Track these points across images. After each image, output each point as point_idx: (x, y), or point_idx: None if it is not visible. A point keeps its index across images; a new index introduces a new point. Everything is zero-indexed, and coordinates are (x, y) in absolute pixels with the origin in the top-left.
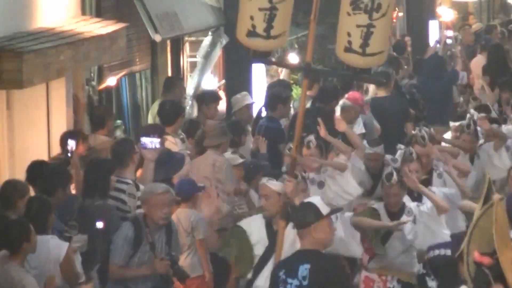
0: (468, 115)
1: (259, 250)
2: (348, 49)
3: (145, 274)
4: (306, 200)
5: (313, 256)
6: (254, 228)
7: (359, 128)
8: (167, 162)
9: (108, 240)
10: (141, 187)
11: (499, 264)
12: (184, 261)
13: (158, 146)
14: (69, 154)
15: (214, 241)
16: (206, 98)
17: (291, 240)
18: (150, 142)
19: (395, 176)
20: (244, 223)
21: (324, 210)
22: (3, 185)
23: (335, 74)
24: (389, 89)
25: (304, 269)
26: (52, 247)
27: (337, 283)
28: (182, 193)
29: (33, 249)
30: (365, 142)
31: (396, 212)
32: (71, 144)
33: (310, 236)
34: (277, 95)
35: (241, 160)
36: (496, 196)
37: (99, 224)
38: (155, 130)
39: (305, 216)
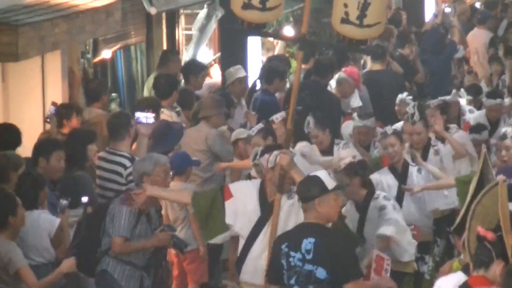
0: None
1: (247, 220)
2: (345, 20)
3: (147, 247)
4: (313, 173)
5: (317, 230)
6: (246, 194)
7: (355, 101)
8: (166, 135)
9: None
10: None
11: (503, 241)
12: (178, 234)
13: (152, 121)
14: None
15: None
16: (193, 68)
17: (285, 212)
18: (145, 117)
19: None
20: (235, 188)
21: (330, 184)
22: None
23: (331, 45)
24: (384, 62)
25: (308, 243)
26: (43, 222)
27: (341, 258)
28: (176, 167)
29: (21, 223)
30: (355, 114)
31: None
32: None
33: (314, 210)
34: (275, 69)
35: (246, 134)
36: (500, 177)
37: (84, 199)
38: (151, 104)
39: (310, 190)
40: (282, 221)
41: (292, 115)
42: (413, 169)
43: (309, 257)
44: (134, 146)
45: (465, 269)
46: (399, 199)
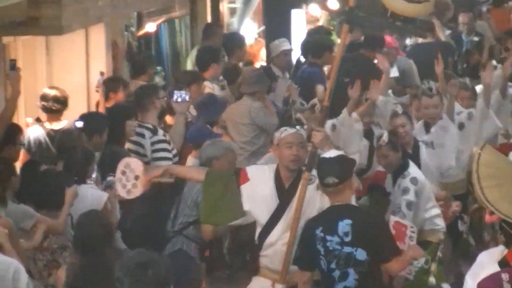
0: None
1: (264, 207)
2: None
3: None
4: (336, 153)
5: (352, 211)
6: (262, 180)
7: (392, 70)
8: (209, 105)
9: None
10: (160, 131)
11: None
12: None
13: (187, 98)
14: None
15: None
16: (237, 41)
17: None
18: (179, 94)
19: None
20: (252, 172)
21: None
22: (61, 134)
23: (378, 23)
24: (433, 35)
25: (345, 225)
26: (91, 196)
27: (380, 237)
28: (191, 139)
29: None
30: (390, 91)
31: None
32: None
33: (348, 191)
34: (323, 42)
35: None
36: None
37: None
38: (191, 76)
39: (346, 168)
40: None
41: (330, 91)
42: (422, 146)
43: (347, 239)
44: (170, 120)
45: (508, 242)
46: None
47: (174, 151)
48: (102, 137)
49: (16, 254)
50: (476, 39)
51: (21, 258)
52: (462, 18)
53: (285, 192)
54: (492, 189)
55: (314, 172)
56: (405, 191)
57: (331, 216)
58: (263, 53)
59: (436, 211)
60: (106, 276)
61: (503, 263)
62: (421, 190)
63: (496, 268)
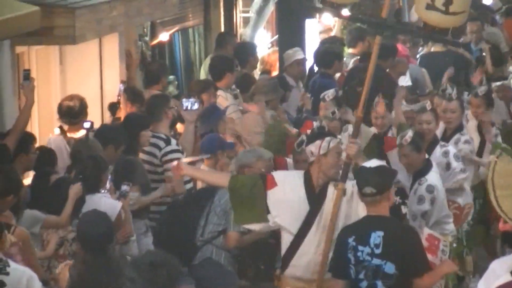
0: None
1: (294, 212)
2: (431, 7)
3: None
4: (376, 163)
5: (386, 223)
6: (291, 185)
7: (404, 80)
8: (210, 115)
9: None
10: (173, 141)
11: None
12: None
13: (196, 107)
14: None
15: None
16: (250, 49)
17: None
18: (189, 103)
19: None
20: (280, 177)
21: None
22: (75, 143)
23: (412, 32)
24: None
25: (376, 237)
26: (104, 205)
27: (410, 252)
28: (204, 149)
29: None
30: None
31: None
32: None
33: (385, 202)
34: (331, 51)
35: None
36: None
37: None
38: (204, 85)
39: (385, 180)
40: (330, 213)
41: (364, 102)
42: (438, 147)
43: (377, 251)
44: (181, 128)
45: None
46: None
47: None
48: (118, 150)
49: (31, 263)
50: (483, 46)
51: (36, 267)
52: (470, 27)
53: (315, 197)
54: (507, 198)
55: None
56: (421, 200)
57: (365, 226)
58: None
59: (447, 215)
60: (108, 274)
61: None
62: (436, 197)
63: (508, 278)
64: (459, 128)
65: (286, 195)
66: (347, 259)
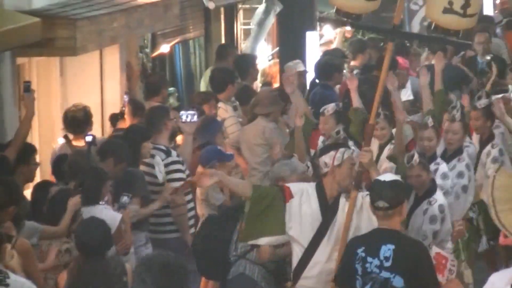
0: None
1: (308, 224)
2: (449, 10)
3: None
4: (391, 177)
5: (397, 236)
6: (305, 197)
7: (406, 94)
8: (206, 127)
9: None
10: (173, 152)
11: None
12: None
13: (195, 119)
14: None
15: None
16: (250, 60)
17: (345, 215)
18: (187, 115)
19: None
20: (295, 189)
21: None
22: (73, 153)
23: (423, 37)
24: (445, 56)
25: (387, 249)
26: (105, 217)
27: (420, 267)
28: (202, 160)
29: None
30: None
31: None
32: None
33: (397, 217)
34: (331, 63)
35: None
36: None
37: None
38: (205, 97)
39: (398, 194)
40: (342, 224)
41: (376, 111)
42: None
43: (387, 264)
44: (180, 140)
45: None
46: None
47: (187, 172)
48: (118, 165)
49: (33, 275)
50: (488, 58)
51: (37, 279)
52: (478, 38)
53: (328, 209)
54: (507, 212)
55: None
56: (433, 220)
57: (376, 239)
58: None
59: (449, 233)
60: (106, 279)
61: None
62: (446, 216)
63: None
64: (459, 151)
65: (301, 207)
66: (354, 269)
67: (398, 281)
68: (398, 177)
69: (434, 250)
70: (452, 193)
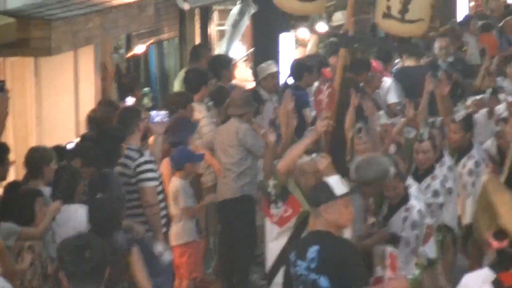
0: None
1: None
2: (387, 15)
3: None
4: (324, 179)
5: (322, 237)
6: None
7: (393, 97)
8: (180, 127)
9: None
10: (145, 152)
11: None
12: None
13: (165, 119)
14: None
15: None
16: (224, 62)
17: None
18: (158, 115)
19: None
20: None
21: (339, 190)
22: (29, 152)
23: (374, 43)
24: (418, 59)
25: (313, 251)
26: (80, 216)
27: (345, 265)
28: (174, 162)
29: None
30: (382, 112)
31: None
32: None
33: (322, 217)
34: (302, 64)
35: None
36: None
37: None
38: (180, 98)
39: (317, 196)
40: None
41: (336, 115)
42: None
43: (313, 265)
44: (150, 140)
45: (492, 265)
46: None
47: (160, 171)
48: (86, 167)
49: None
50: (450, 60)
51: (11, 278)
52: (439, 43)
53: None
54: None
55: None
56: (414, 225)
57: (305, 241)
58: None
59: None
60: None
61: (497, 283)
62: (425, 221)
63: None
64: (431, 169)
65: None
66: (291, 274)
67: (323, 281)
68: (330, 179)
69: (388, 250)
70: (429, 213)
